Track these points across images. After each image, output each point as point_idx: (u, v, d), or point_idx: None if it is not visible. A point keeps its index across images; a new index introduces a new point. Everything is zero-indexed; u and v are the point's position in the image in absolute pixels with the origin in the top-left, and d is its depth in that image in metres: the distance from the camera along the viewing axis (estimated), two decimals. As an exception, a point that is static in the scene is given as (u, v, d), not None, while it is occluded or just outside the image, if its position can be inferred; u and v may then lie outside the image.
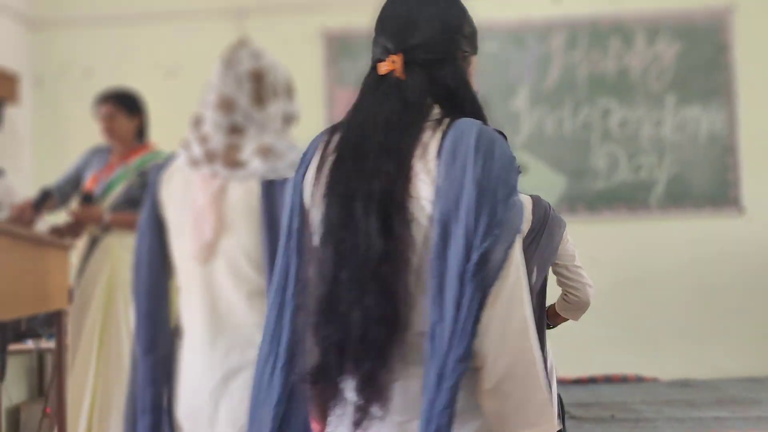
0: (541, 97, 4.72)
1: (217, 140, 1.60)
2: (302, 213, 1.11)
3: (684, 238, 4.53)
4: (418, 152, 1.03)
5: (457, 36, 1.14)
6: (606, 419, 3.74)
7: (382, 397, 1.00)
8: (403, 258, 1.00)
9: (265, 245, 1.52)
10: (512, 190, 1.00)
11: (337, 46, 4.83)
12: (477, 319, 0.96)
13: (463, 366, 0.95)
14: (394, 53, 1.07)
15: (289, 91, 1.70)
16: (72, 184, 2.87)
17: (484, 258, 0.96)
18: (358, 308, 1.00)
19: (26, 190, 3.95)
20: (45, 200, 2.71)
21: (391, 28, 1.10)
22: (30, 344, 3.85)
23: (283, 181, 1.51)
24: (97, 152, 2.92)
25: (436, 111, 1.07)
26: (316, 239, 1.08)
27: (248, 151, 1.58)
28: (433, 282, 0.98)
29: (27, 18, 4.75)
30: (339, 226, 1.03)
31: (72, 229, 2.70)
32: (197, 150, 1.61)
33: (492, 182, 0.98)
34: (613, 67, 4.75)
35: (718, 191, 4.66)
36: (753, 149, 4.66)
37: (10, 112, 4.40)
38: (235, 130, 1.60)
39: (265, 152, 1.59)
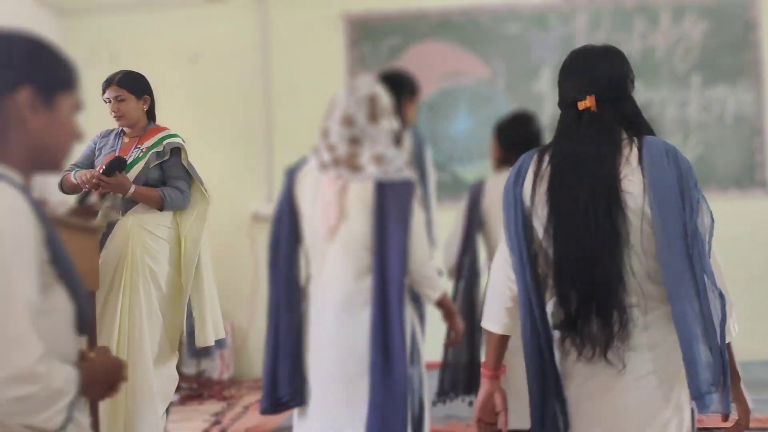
0: (564, 78, 4.68)
1: (341, 149, 2.09)
2: (524, 213, 1.53)
3: (709, 220, 4.48)
4: (621, 161, 1.48)
5: (627, 80, 1.58)
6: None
7: (602, 342, 1.44)
8: (623, 234, 1.44)
9: (374, 232, 2.04)
10: (696, 180, 1.46)
11: (358, 30, 4.83)
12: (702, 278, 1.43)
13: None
14: (588, 95, 1.52)
15: (393, 113, 2.19)
16: (89, 165, 2.83)
17: (695, 229, 1.42)
18: (591, 275, 1.44)
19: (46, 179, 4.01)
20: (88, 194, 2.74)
21: (581, 77, 1.56)
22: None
23: (392, 183, 2.06)
24: (106, 136, 2.90)
25: (623, 133, 1.52)
26: (541, 231, 1.51)
27: (365, 158, 2.07)
28: (662, 250, 1.43)
29: (56, 5, 4.82)
30: (568, 216, 1.47)
31: (89, 210, 2.70)
32: (326, 156, 2.11)
33: (684, 177, 1.44)
34: (637, 47, 4.69)
35: (744, 172, 4.60)
36: (781, 130, 4.58)
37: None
38: (354, 142, 2.08)
39: (378, 160, 2.07)
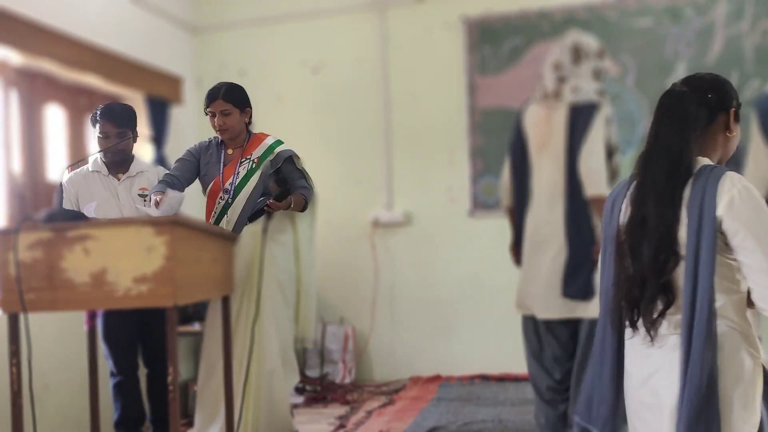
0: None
1: (550, 87, 2.81)
2: (617, 218, 1.66)
3: None
4: None
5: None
6: None
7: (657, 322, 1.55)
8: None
9: (565, 142, 2.69)
10: None
11: (477, 33, 4.75)
12: None
13: None
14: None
15: (599, 55, 2.84)
16: (194, 175, 2.92)
17: None
18: (658, 266, 1.54)
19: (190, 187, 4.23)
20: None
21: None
22: (196, 326, 4.17)
23: (580, 106, 2.71)
24: (207, 149, 2.95)
25: None
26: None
27: (567, 90, 2.77)
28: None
29: (189, 24, 5.12)
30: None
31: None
32: (540, 93, 2.85)
33: None
34: (786, 35, 4.29)
35: None
36: None
37: (175, 112, 4.77)
38: (561, 80, 2.79)
39: (575, 90, 2.76)
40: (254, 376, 2.74)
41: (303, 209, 2.87)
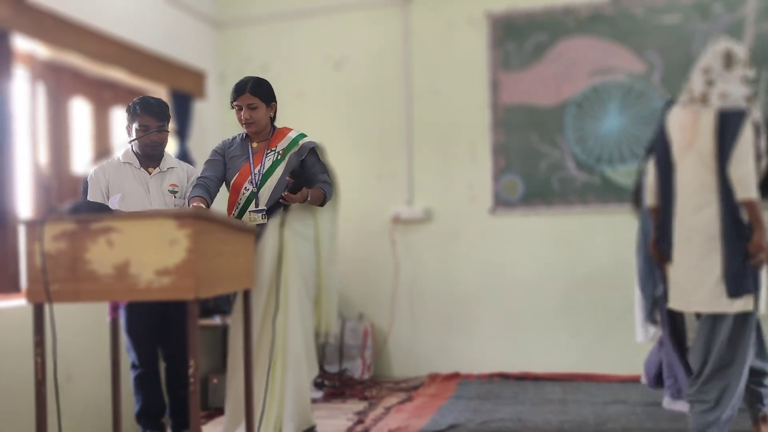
0: (730, 71, 4.29)
1: (698, 90, 2.87)
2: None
3: None
4: None
5: None
6: None
7: None
8: None
9: (716, 150, 2.76)
10: None
11: (501, 29, 4.71)
12: None
13: None
14: None
15: (748, 63, 2.87)
16: (224, 172, 2.95)
17: None
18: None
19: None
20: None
21: None
22: (217, 320, 4.19)
23: (731, 112, 2.76)
24: (231, 144, 2.98)
25: None
26: None
27: (714, 95, 2.82)
28: None
29: (212, 19, 5.14)
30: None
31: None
32: (686, 96, 2.91)
33: None
34: (819, 33, 4.19)
35: None
36: None
37: (198, 106, 4.79)
38: (709, 83, 2.85)
39: (723, 96, 2.81)
40: (279, 369, 2.76)
41: (322, 204, 2.88)
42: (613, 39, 4.52)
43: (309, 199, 2.79)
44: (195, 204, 2.69)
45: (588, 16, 4.56)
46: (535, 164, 4.65)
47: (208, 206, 2.80)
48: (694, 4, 4.41)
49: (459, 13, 4.81)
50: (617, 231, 4.49)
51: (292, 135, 2.93)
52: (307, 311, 2.86)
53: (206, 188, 2.84)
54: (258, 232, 2.81)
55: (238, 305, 2.86)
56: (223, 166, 2.95)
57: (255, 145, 2.93)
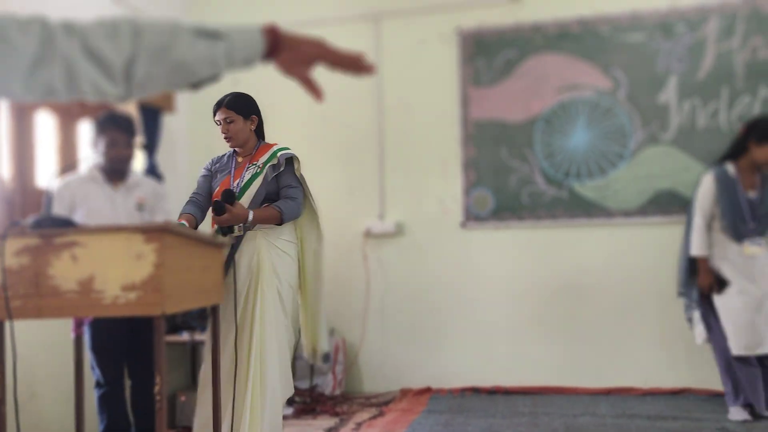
0: (693, 88, 4.40)
1: None
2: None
3: None
4: None
5: None
6: None
7: None
8: None
9: None
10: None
11: (471, 45, 4.77)
12: None
13: None
14: None
15: None
16: (210, 196, 2.94)
17: None
18: None
19: (181, 194, 4.22)
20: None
21: None
22: (185, 336, 4.13)
23: None
24: (219, 160, 3.00)
25: None
26: None
27: None
28: None
29: (182, 32, 5.10)
30: None
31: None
32: None
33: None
34: (777, 52, 4.33)
35: None
36: None
37: (168, 119, 4.75)
38: None
39: None
40: (254, 385, 2.73)
41: (280, 223, 2.83)
42: (581, 56, 4.61)
43: (251, 219, 2.74)
44: (181, 221, 2.69)
45: (556, 34, 4.64)
46: (506, 179, 4.69)
47: (197, 222, 2.84)
48: (658, 23, 4.51)
49: (430, 30, 4.86)
50: (585, 244, 4.55)
51: (275, 148, 2.94)
52: (282, 327, 2.83)
53: (197, 204, 2.90)
54: (235, 243, 2.80)
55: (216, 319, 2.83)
56: (209, 180, 2.99)
57: (240, 159, 2.96)
